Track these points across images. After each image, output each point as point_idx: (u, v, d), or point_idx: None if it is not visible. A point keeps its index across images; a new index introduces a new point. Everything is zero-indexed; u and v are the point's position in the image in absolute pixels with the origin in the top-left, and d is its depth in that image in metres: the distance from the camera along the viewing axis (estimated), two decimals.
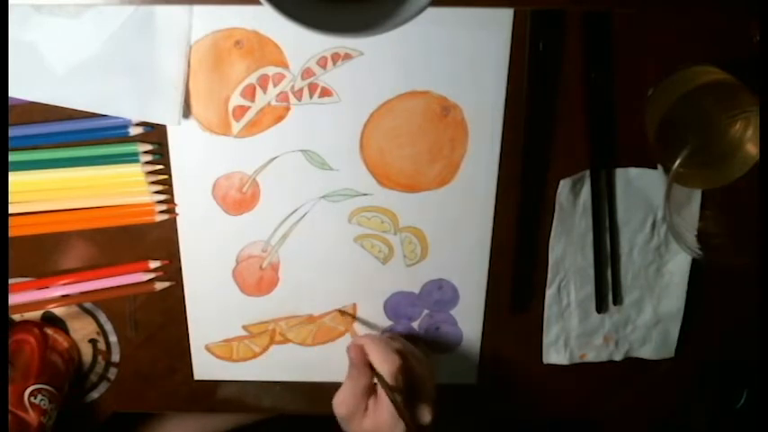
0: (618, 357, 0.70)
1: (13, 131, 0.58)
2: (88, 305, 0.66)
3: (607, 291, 0.67)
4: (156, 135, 0.60)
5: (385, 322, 0.68)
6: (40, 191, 0.61)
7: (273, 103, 0.60)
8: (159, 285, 0.65)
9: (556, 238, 0.65)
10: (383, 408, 0.57)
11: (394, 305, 0.67)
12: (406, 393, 0.58)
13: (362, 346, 0.60)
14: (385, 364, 0.58)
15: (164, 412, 0.76)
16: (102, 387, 0.69)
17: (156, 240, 0.64)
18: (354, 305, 0.67)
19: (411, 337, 0.68)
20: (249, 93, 0.59)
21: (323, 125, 0.60)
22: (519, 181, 0.63)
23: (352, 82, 0.59)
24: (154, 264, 0.64)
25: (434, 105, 0.60)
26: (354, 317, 0.67)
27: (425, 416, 0.59)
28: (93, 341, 0.67)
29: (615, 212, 0.65)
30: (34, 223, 0.62)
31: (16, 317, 0.66)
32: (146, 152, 0.60)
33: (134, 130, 0.59)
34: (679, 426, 0.74)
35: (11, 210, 0.61)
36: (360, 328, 0.68)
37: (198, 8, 0.56)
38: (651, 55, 0.59)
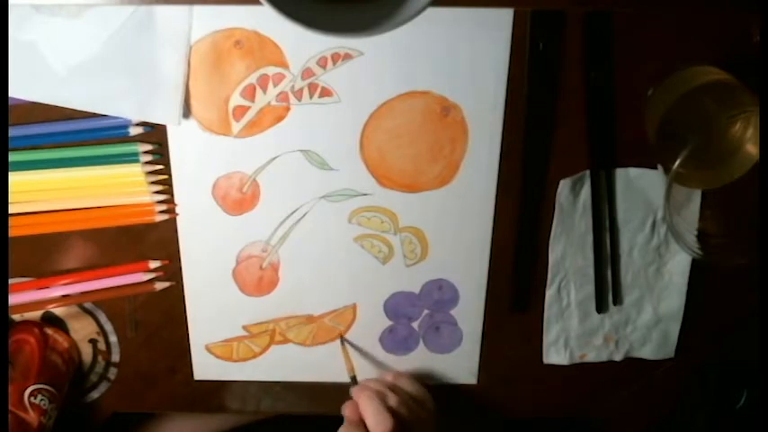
0: (618, 357, 0.70)
1: (13, 131, 0.58)
2: (88, 305, 0.66)
3: (607, 291, 0.67)
4: (156, 135, 0.60)
5: (385, 322, 0.68)
6: (40, 191, 0.61)
7: (273, 103, 0.60)
8: (159, 285, 0.65)
9: (556, 238, 0.65)
10: None
11: (394, 305, 0.67)
12: None
13: (357, 405, 0.62)
14: (377, 427, 0.60)
15: (164, 412, 0.76)
16: (102, 387, 0.69)
17: (156, 240, 0.64)
18: (354, 305, 0.67)
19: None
20: (249, 93, 0.59)
21: (323, 125, 0.60)
22: (519, 181, 0.63)
23: (352, 82, 0.59)
24: (154, 264, 0.64)
25: (434, 105, 0.60)
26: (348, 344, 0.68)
27: None
28: (93, 341, 0.67)
29: (615, 212, 0.65)
30: (34, 223, 0.62)
31: (16, 317, 0.66)
32: (146, 152, 0.60)
33: (134, 130, 0.59)
34: (679, 426, 0.73)
35: (11, 210, 0.61)
36: (358, 330, 0.68)
37: (198, 8, 0.56)
38: (651, 55, 0.59)
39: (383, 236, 0.65)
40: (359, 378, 0.67)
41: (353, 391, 0.64)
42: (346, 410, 0.63)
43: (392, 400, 0.62)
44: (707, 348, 0.70)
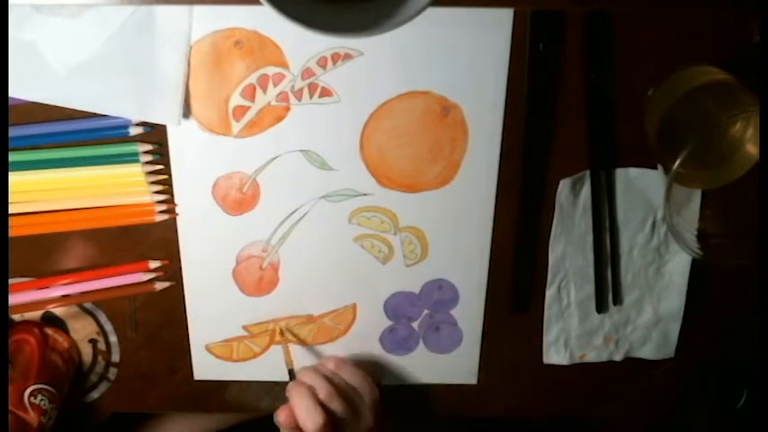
0: (618, 357, 0.70)
1: (13, 131, 0.58)
2: (88, 305, 0.66)
3: (607, 291, 0.67)
4: (156, 135, 0.60)
5: (385, 322, 0.68)
6: (40, 191, 0.61)
7: (273, 103, 0.60)
8: (159, 285, 0.65)
9: (556, 239, 0.65)
10: None
11: (394, 305, 0.67)
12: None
13: (291, 407, 0.61)
14: (307, 423, 0.59)
15: (164, 412, 0.76)
16: (103, 387, 0.69)
17: (156, 240, 0.64)
18: (354, 305, 0.67)
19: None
20: (249, 93, 0.59)
21: (323, 125, 0.60)
22: (519, 181, 0.63)
23: (352, 82, 0.59)
24: (154, 264, 0.64)
25: (434, 105, 0.60)
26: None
27: None
28: (93, 341, 0.67)
29: (615, 212, 0.65)
30: (34, 223, 0.62)
31: (16, 317, 0.66)
32: (146, 152, 0.60)
33: (134, 130, 0.59)
34: (679, 426, 0.73)
35: (11, 210, 0.61)
36: (358, 330, 0.68)
37: (198, 8, 0.56)
38: (651, 55, 0.59)
39: (383, 236, 0.65)
40: None
41: (288, 388, 0.63)
42: (280, 417, 0.61)
43: (324, 392, 0.61)
44: (707, 348, 0.70)
